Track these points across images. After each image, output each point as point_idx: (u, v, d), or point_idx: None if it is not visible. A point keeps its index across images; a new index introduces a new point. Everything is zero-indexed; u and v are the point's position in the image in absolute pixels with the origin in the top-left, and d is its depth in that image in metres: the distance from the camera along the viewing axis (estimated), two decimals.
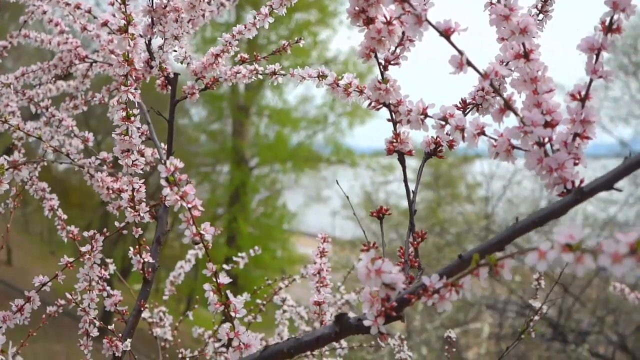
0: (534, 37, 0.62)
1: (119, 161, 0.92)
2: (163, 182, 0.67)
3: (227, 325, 0.72)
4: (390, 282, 0.56)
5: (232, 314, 0.71)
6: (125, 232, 1.01)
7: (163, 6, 1.02)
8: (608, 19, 0.58)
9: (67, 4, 1.18)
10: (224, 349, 1.52)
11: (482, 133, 0.63)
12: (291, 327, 1.48)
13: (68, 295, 1.20)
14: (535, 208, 7.89)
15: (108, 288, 1.08)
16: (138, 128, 0.87)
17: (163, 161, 0.66)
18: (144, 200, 1.00)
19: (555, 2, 0.78)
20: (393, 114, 0.69)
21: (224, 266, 1.38)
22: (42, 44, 1.34)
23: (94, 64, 1.31)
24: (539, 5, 0.77)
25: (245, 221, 10.49)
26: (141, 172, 0.94)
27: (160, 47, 1.02)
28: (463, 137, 0.65)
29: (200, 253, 1.58)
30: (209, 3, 1.07)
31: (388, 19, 0.63)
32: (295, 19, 10.99)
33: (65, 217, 1.18)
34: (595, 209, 8.37)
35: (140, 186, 0.95)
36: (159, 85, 1.12)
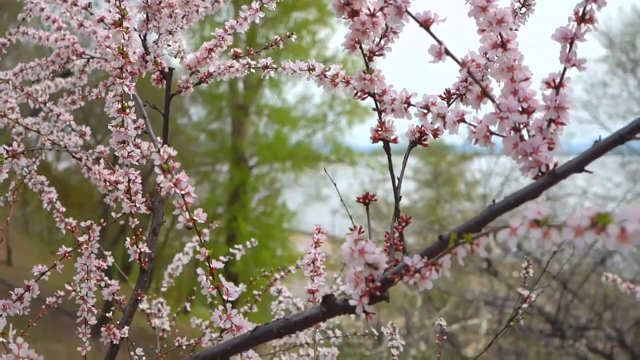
0: (511, 28, 0.64)
1: (115, 152, 0.94)
2: (157, 170, 0.69)
3: (220, 308, 0.75)
4: (373, 262, 0.59)
5: (225, 297, 0.74)
6: (122, 222, 1.03)
7: (157, 2, 1.05)
8: (581, 10, 0.61)
9: (64, 1, 1.21)
10: (220, 339, 1.55)
11: (462, 120, 0.65)
12: None
13: (68, 287, 1.23)
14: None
15: (106, 278, 1.11)
16: (133, 120, 0.89)
17: (157, 150, 0.69)
18: (140, 191, 1.03)
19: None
20: (378, 103, 0.72)
21: (221, 258, 1.41)
22: (40, 40, 1.37)
23: (91, 60, 1.34)
24: None
25: (245, 220, 10.50)
26: (137, 164, 0.96)
27: (155, 42, 1.04)
28: (445, 125, 0.68)
29: (197, 246, 1.60)
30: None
31: (372, 11, 0.66)
32: (294, 17, 11.01)
33: (63, 209, 1.20)
34: (593, 205, 8.38)
35: (136, 177, 0.98)
36: (154, 79, 1.14)
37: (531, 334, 6.37)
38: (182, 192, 0.70)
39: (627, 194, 8.09)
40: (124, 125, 0.88)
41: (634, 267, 7.20)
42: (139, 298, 1.09)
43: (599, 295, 6.63)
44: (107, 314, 1.05)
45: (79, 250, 1.05)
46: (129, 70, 0.85)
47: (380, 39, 0.70)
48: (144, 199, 1.01)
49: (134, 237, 1.07)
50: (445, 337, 1.34)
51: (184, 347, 1.24)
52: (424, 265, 0.59)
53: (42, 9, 1.32)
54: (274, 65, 1.06)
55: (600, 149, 0.55)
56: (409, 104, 0.70)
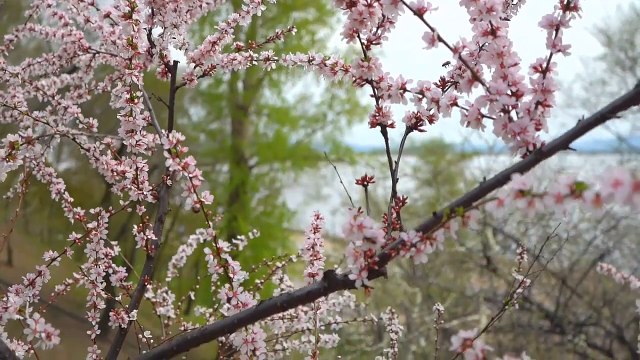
0: (501, 17, 0.68)
1: (124, 141, 0.98)
2: (166, 154, 0.73)
3: (227, 286, 0.79)
4: (371, 236, 0.63)
5: (231, 275, 0.78)
6: (129, 210, 1.07)
7: None
8: None
9: None
10: None
11: (455, 104, 0.69)
12: None
13: (76, 275, 1.26)
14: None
15: (114, 265, 1.15)
16: (141, 110, 0.93)
17: (166, 134, 0.72)
18: (147, 180, 1.06)
19: None
20: (375, 89, 0.76)
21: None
22: (47, 36, 1.40)
23: (96, 55, 1.37)
24: None
25: (245, 220, 10.54)
26: (145, 153, 1.00)
27: (160, 36, 1.08)
28: (439, 109, 0.71)
29: (201, 238, 1.64)
30: None
31: (369, 1, 0.69)
32: (293, 17, 11.05)
33: (71, 199, 1.24)
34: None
35: (143, 165, 1.01)
36: (159, 72, 1.18)
37: (531, 330, 6.40)
38: (190, 175, 0.74)
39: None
40: (132, 115, 0.92)
41: (632, 264, 7.23)
42: (146, 283, 1.13)
43: (598, 291, 6.66)
44: (117, 298, 1.08)
45: (88, 239, 1.09)
46: (137, 62, 0.88)
47: (377, 28, 0.74)
48: (150, 187, 1.05)
49: (141, 224, 1.10)
50: (442, 321, 1.37)
51: (189, 330, 1.28)
52: (419, 239, 0.63)
53: (49, 5, 1.36)
54: (275, 58, 1.09)
55: (583, 127, 0.58)
56: (405, 90, 0.74)
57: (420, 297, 6.49)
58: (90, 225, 1.04)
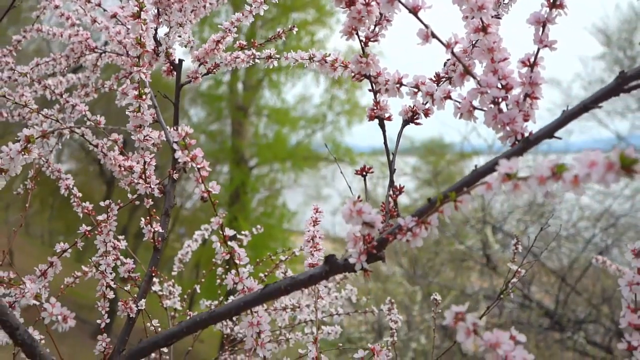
0: (492, 15, 0.72)
1: (132, 136, 1.02)
2: (175, 146, 0.77)
3: (233, 272, 0.83)
4: (369, 220, 0.67)
5: (237, 262, 0.82)
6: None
7: None
8: None
9: None
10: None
11: (449, 97, 0.73)
12: None
13: (85, 268, 1.31)
14: (532, 199, 7.99)
15: (122, 257, 1.19)
16: (149, 105, 0.97)
17: (175, 128, 0.76)
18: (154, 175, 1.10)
19: None
20: (373, 84, 0.80)
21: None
22: (54, 37, 1.44)
23: (103, 54, 1.41)
24: None
25: (245, 221, 10.57)
26: (152, 147, 1.04)
27: (166, 35, 1.12)
28: (433, 102, 0.75)
29: (206, 234, 1.68)
30: None
31: (366, 0, 0.73)
32: (292, 18, 11.09)
33: (80, 194, 1.28)
34: (592, 200, 8.48)
35: (150, 160, 1.05)
36: (165, 71, 1.22)
37: (530, 327, 6.44)
38: (198, 166, 0.78)
39: (624, 190, 8.16)
40: (141, 111, 0.96)
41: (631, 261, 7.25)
42: (153, 275, 1.16)
43: (597, 289, 6.70)
44: (125, 288, 1.12)
45: (97, 232, 1.13)
46: (145, 60, 0.92)
47: (375, 25, 0.78)
48: (157, 181, 1.09)
49: (148, 217, 1.14)
50: (440, 310, 1.41)
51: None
52: (415, 224, 0.67)
53: (56, 6, 1.40)
54: (277, 56, 1.13)
55: (567, 117, 0.62)
56: (401, 84, 0.78)
57: (421, 296, 6.53)
58: (100, 218, 1.08)
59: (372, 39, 0.78)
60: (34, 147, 0.82)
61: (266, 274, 1.52)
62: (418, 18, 0.67)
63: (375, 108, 0.80)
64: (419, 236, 0.67)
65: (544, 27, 0.68)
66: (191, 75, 1.17)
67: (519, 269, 1.27)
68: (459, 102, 0.72)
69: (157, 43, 1.15)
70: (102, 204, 1.08)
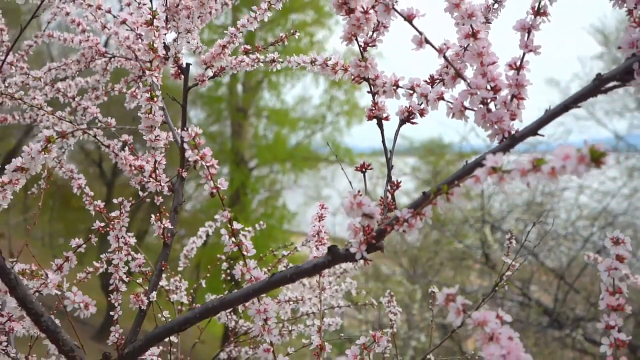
0: (483, 21, 0.78)
1: (143, 136, 1.07)
2: (186, 146, 0.82)
3: (240, 264, 0.88)
4: (369, 212, 0.72)
5: (245, 253, 0.87)
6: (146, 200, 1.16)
7: (176, 5, 1.18)
8: (537, 4, 0.74)
9: (90, 5, 1.34)
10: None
11: (442, 98, 0.79)
12: None
13: (96, 264, 1.36)
14: (531, 199, 8.05)
15: (132, 253, 1.24)
16: (160, 107, 1.02)
17: (185, 128, 0.82)
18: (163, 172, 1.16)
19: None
20: (372, 86, 0.85)
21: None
22: (65, 42, 1.50)
23: (112, 59, 1.47)
24: None
25: (245, 221, 10.59)
26: (163, 147, 1.10)
27: (175, 40, 1.18)
28: (427, 102, 0.81)
29: (210, 230, 1.74)
30: (214, 1, 1.23)
31: (365, 8, 0.79)
32: (291, 19, 11.15)
33: (92, 193, 1.34)
34: (590, 200, 8.54)
35: (161, 159, 1.11)
36: (173, 74, 1.27)
37: (529, 326, 6.50)
38: (208, 164, 0.83)
39: (621, 188, 8.22)
40: (152, 112, 1.02)
41: (629, 260, 7.31)
42: (163, 269, 1.22)
43: (595, 287, 6.76)
44: (138, 281, 1.18)
45: (109, 228, 1.19)
46: (156, 64, 0.98)
47: (373, 32, 0.83)
48: (167, 180, 1.15)
49: (158, 214, 1.20)
50: (436, 301, 1.46)
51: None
52: (410, 215, 0.72)
53: (67, 13, 1.46)
54: (281, 59, 1.19)
55: (550, 116, 0.68)
56: (398, 86, 0.84)
57: (420, 294, 6.59)
58: (113, 214, 1.13)
59: (370, 44, 0.84)
60: (53, 147, 0.87)
61: (269, 268, 1.57)
62: (413, 25, 0.73)
63: (373, 109, 0.86)
64: (414, 227, 0.72)
65: (529, 33, 0.74)
66: (198, 78, 1.23)
67: (513, 263, 1.32)
68: (451, 103, 0.77)
69: (166, 48, 1.21)
70: (115, 201, 1.13)
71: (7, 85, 1.52)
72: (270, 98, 12.51)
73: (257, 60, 1.22)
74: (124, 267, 1.16)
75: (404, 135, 11.37)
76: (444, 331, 6.69)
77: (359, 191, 0.82)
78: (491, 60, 0.76)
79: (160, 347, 1.37)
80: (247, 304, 1.44)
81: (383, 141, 0.87)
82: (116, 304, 1.17)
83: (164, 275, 1.55)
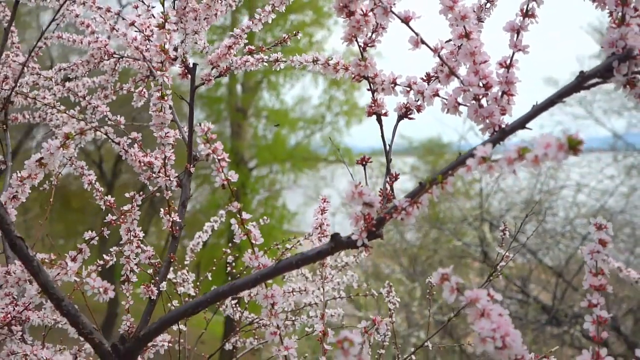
0: (473, 23, 0.83)
1: (154, 134, 1.13)
2: (198, 140, 0.88)
3: (249, 251, 0.93)
4: (369, 201, 0.78)
5: (253, 242, 0.93)
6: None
7: (183, 7, 1.24)
8: (525, 7, 0.80)
9: (99, 8, 1.39)
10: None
11: (437, 95, 0.84)
12: None
13: (106, 257, 1.41)
14: (530, 197, 8.11)
15: (142, 245, 1.30)
16: (170, 106, 1.08)
17: (198, 123, 0.87)
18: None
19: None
20: (371, 84, 0.91)
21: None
22: (74, 43, 1.55)
23: (120, 59, 1.52)
24: None
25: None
26: (173, 143, 1.15)
27: (182, 41, 1.23)
28: (423, 99, 0.87)
29: (215, 225, 1.79)
30: (220, 4, 1.28)
31: (364, 11, 0.84)
32: (290, 20, 11.21)
33: (102, 189, 1.39)
34: (588, 198, 8.60)
35: (170, 155, 1.16)
36: (180, 74, 1.33)
37: (528, 323, 6.56)
38: (219, 157, 0.89)
39: (619, 186, 8.29)
40: (162, 110, 1.07)
41: (626, 256, 7.40)
42: (172, 260, 1.27)
43: None
44: (151, 278, 1.23)
45: (120, 222, 1.24)
46: (167, 65, 1.03)
47: (372, 33, 0.89)
48: (176, 175, 1.20)
49: (167, 208, 1.25)
50: (435, 292, 1.52)
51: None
52: (408, 204, 0.78)
53: (77, 15, 1.51)
54: (284, 59, 1.24)
55: (537, 110, 0.73)
56: (395, 84, 0.89)
57: (420, 292, 6.65)
58: (124, 208, 1.18)
59: (369, 45, 0.89)
60: (71, 143, 0.93)
61: (274, 260, 1.62)
62: (409, 27, 0.78)
63: (373, 105, 0.91)
64: (411, 215, 0.78)
65: (518, 33, 0.80)
66: (205, 78, 1.28)
67: (507, 254, 1.38)
68: (446, 99, 0.83)
69: (174, 49, 1.26)
70: (126, 195, 1.19)
71: (19, 85, 1.58)
72: (270, 98, 12.55)
73: (260, 60, 1.27)
74: (135, 258, 1.21)
75: (404, 135, 11.42)
76: (444, 331, 6.74)
77: (359, 182, 0.87)
78: (483, 59, 0.81)
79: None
80: (253, 295, 1.50)
81: (382, 136, 0.93)
82: (127, 294, 1.23)
83: (171, 269, 1.61)
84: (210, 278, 1.69)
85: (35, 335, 1.33)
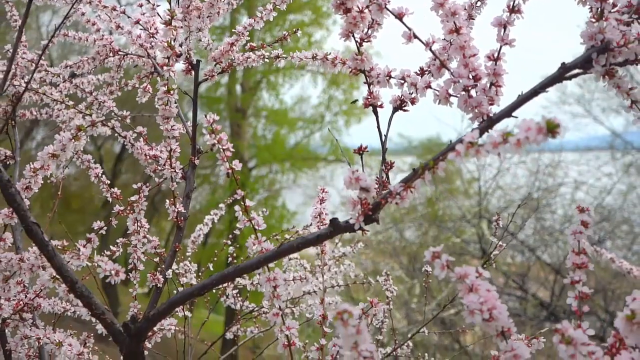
0: (467, 18, 0.88)
1: (160, 127, 1.18)
2: (204, 131, 0.93)
3: (252, 237, 0.98)
4: (365, 185, 0.83)
5: (256, 227, 0.98)
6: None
7: (187, 5, 1.28)
8: (512, 3, 0.85)
9: (105, 7, 1.44)
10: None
11: (429, 87, 0.89)
12: None
13: (113, 248, 1.46)
14: (529, 195, 8.16)
15: (148, 236, 1.35)
16: (175, 100, 1.13)
17: (203, 116, 0.92)
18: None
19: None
20: (367, 77, 0.96)
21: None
22: (80, 41, 1.60)
23: (125, 56, 1.57)
24: None
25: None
26: (178, 136, 1.20)
27: (186, 38, 1.28)
28: (417, 91, 0.92)
29: (215, 218, 1.85)
30: (223, 2, 1.33)
31: (360, 8, 0.89)
32: (289, 20, 11.26)
33: (108, 182, 1.44)
34: (587, 195, 8.65)
35: (176, 147, 1.21)
36: (184, 70, 1.38)
37: (527, 319, 6.61)
38: (224, 147, 0.94)
39: (616, 184, 8.34)
40: (169, 104, 1.12)
41: (624, 253, 7.45)
42: (177, 250, 1.32)
43: (591, 280, 6.88)
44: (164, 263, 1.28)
45: (128, 212, 1.29)
46: (176, 59, 1.08)
47: (368, 29, 0.94)
48: (181, 167, 1.25)
49: (172, 199, 1.30)
50: (430, 281, 1.57)
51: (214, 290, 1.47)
52: (402, 189, 0.83)
53: (83, 14, 1.56)
54: (284, 56, 1.29)
55: (522, 100, 0.78)
56: (390, 77, 0.94)
57: (419, 288, 6.70)
58: (132, 199, 1.23)
59: (365, 40, 0.94)
60: (82, 135, 0.98)
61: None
62: (403, 22, 0.83)
63: (369, 97, 0.96)
64: (406, 199, 0.83)
65: (504, 28, 0.85)
66: (208, 74, 1.33)
67: (500, 243, 1.43)
68: (438, 91, 0.88)
69: (179, 45, 1.31)
70: (134, 186, 1.23)
71: (26, 81, 1.62)
72: (269, 98, 12.59)
73: (262, 57, 1.32)
74: (143, 246, 1.26)
75: (403, 134, 11.47)
76: (443, 326, 6.79)
77: (356, 169, 0.92)
78: (472, 52, 0.86)
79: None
80: (255, 284, 1.54)
81: (378, 126, 0.97)
82: (134, 282, 1.28)
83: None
84: (212, 269, 1.74)
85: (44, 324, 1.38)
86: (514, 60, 1.02)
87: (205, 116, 0.91)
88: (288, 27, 11.19)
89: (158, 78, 1.13)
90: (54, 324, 1.33)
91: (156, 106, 1.14)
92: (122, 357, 0.91)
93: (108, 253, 1.48)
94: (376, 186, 0.85)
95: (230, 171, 0.95)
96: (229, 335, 1.71)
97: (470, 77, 0.85)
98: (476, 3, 1.03)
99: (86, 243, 1.23)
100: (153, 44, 1.25)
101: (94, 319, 0.97)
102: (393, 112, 1.00)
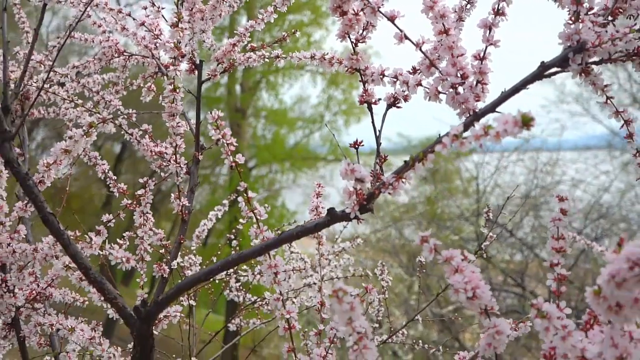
0: (452, 20, 0.94)
1: (166, 124, 1.24)
2: (210, 126, 0.99)
3: (254, 226, 1.04)
4: (360, 176, 0.89)
5: (258, 217, 1.04)
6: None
7: (191, 8, 1.34)
8: (497, 6, 0.91)
9: (111, 10, 1.50)
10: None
11: (420, 84, 0.95)
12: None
13: (120, 241, 1.52)
14: (527, 193, 8.22)
15: (154, 228, 1.40)
16: (181, 98, 1.19)
17: (208, 112, 0.98)
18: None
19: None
20: (362, 76, 1.02)
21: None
22: (86, 42, 1.66)
23: (130, 57, 1.63)
24: None
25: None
26: (183, 132, 1.26)
27: (191, 39, 1.34)
28: (409, 88, 0.98)
29: (219, 214, 1.91)
30: (224, 4, 1.39)
31: (356, 11, 0.95)
32: (289, 20, 11.32)
33: (114, 177, 1.50)
34: (585, 194, 8.71)
35: (181, 144, 1.27)
36: (187, 70, 1.44)
37: (525, 316, 6.68)
38: (228, 142, 1.00)
39: (614, 182, 8.41)
40: (174, 102, 1.18)
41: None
42: (182, 242, 1.38)
43: (589, 277, 6.94)
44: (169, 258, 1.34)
45: (134, 206, 1.35)
46: (179, 60, 1.14)
47: (363, 30, 1.00)
48: (186, 162, 1.31)
49: (177, 193, 1.36)
50: (425, 269, 1.63)
51: (217, 281, 1.53)
52: (394, 179, 0.89)
53: (89, 16, 1.62)
54: (284, 56, 1.35)
55: (504, 96, 0.84)
56: (384, 75, 1.00)
57: (418, 285, 6.77)
58: (139, 193, 1.29)
59: (360, 40, 1.00)
60: (93, 132, 1.04)
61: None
62: (394, 24, 0.89)
63: (364, 95, 1.02)
64: (397, 189, 0.89)
65: (490, 29, 0.91)
66: (211, 73, 1.39)
67: (491, 234, 1.49)
68: (428, 88, 0.94)
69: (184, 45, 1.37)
70: (140, 180, 1.29)
71: (35, 81, 1.68)
72: (269, 98, 12.65)
73: (262, 57, 1.38)
74: (150, 237, 1.32)
75: (402, 134, 11.54)
76: (442, 324, 6.85)
77: (352, 162, 0.98)
78: (460, 52, 0.92)
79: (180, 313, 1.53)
80: (257, 274, 1.59)
81: (372, 122, 1.03)
82: (142, 272, 1.34)
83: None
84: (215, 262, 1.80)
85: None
86: (500, 60, 1.08)
87: (211, 112, 0.97)
88: (287, 27, 11.24)
89: (164, 77, 1.19)
90: (65, 312, 1.39)
91: (162, 104, 1.20)
92: (133, 339, 0.97)
93: (116, 245, 1.55)
94: (371, 178, 0.91)
95: (234, 164, 1.01)
96: (231, 327, 1.77)
97: (458, 75, 0.91)
98: (466, 6, 1.09)
99: (95, 235, 1.29)
100: (157, 44, 1.30)
101: (105, 305, 1.03)
102: (387, 109, 1.06)
